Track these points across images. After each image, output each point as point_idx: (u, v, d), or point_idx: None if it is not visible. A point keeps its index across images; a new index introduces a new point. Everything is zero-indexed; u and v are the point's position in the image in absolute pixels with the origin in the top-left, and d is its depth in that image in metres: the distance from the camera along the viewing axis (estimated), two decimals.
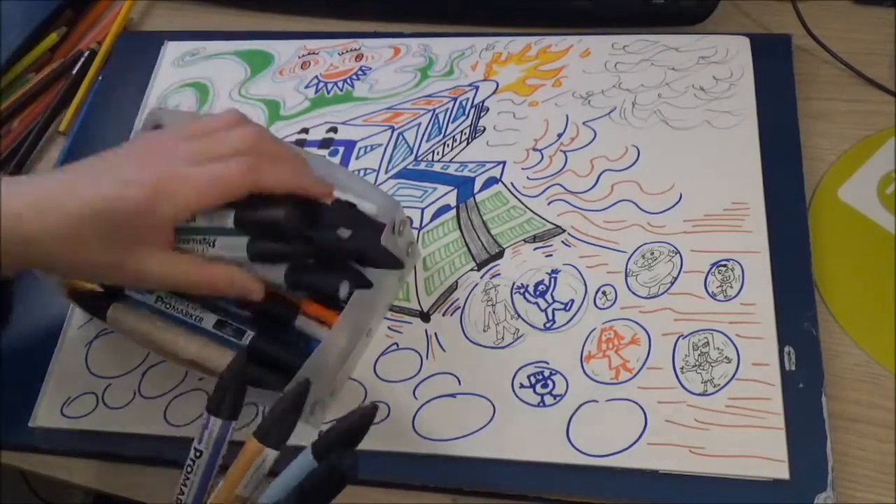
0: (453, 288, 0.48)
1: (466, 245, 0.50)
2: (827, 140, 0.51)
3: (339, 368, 0.44)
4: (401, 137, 0.55)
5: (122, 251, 0.39)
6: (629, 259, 0.47)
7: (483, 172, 0.52)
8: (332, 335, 0.42)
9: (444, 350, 0.46)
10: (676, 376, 0.43)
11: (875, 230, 0.47)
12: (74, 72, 0.64)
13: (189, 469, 0.37)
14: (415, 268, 0.49)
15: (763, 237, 0.46)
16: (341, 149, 0.55)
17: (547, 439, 0.42)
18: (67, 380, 0.48)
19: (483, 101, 0.55)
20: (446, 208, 0.51)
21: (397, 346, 0.47)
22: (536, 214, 0.50)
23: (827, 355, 0.43)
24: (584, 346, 0.45)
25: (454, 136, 0.54)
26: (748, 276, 0.45)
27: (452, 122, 0.55)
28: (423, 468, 0.43)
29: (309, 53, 0.61)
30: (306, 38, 0.62)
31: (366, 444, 0.43)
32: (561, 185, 0.51)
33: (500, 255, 0.49)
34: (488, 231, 0.50)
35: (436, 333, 0.47)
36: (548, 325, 0.46)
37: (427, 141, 0.54)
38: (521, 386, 0.44)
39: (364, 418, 0.35)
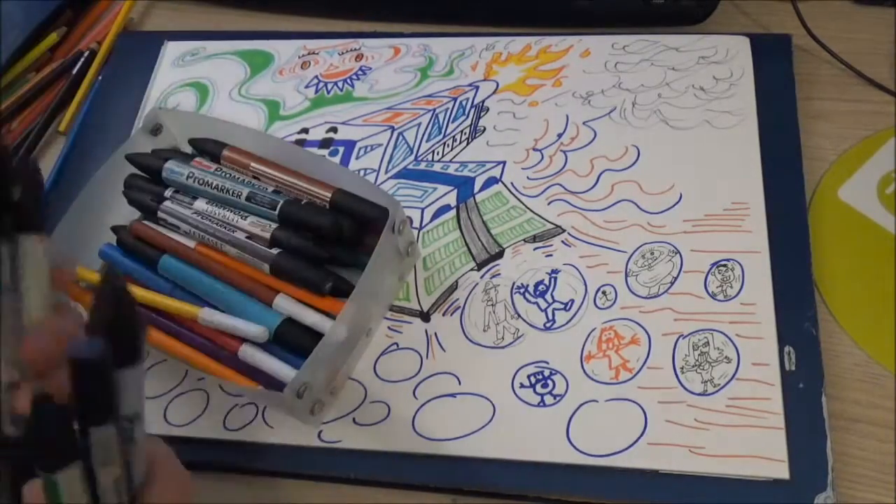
0: (453, 288, 0.48)
1: (466, 245, 0.49)
2: (827, 140, 0.51)
3: (339, 367, 0.44)
4: (401, 137, 0.55)
5: None
6: (629, 259, 0.47)
7: (483, 172, 0.52)
8: (333, 330, 0.42)
9: (444, 350, 0.46)
10: (676, 376, 0.43)
11: (875, 230, 0.47)
12: (74, 72, 0.64)
13: None
14: (415, 268, 0.49)
15: (763, 237, 0.46)
16: (341, 149, 0.55)
17: (547, 439, 0.42)
18: None
19: (483, 101, 0.55)
20: (446, 208, 0.51)
21: (397, 345, 0.47)
22: (536, 214, 0.50)
23: (827, 355, 0.43)
24: (584, 346, 0.45)
25: (454, 136, 0.54)
26: (748, 276, 0.45)
27: (452, 121, 0.55)
28: (423, 468, 0.43)
29: (309, 53, 0.61)
30: (306, 37, 0.62)
31: (366, 444, 0.44)
32: (561, 185, 0.51)
33: (500, 254, 0.49)
34: (488, 231, 0.50)
35: (436, 333, 0.47)
36: (548, 324, 0.46)
37: (427, 141, 0.54)
38: (521, 386, 0.44)
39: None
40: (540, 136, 0.53)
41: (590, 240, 0.48)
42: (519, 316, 0.46)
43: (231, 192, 0.48)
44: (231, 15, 0.65)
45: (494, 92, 0.56)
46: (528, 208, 0.50)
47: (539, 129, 0.53)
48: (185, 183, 0.49)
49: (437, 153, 0.54)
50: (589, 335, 0.45)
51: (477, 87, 0.56)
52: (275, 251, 0.46)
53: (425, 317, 0.47)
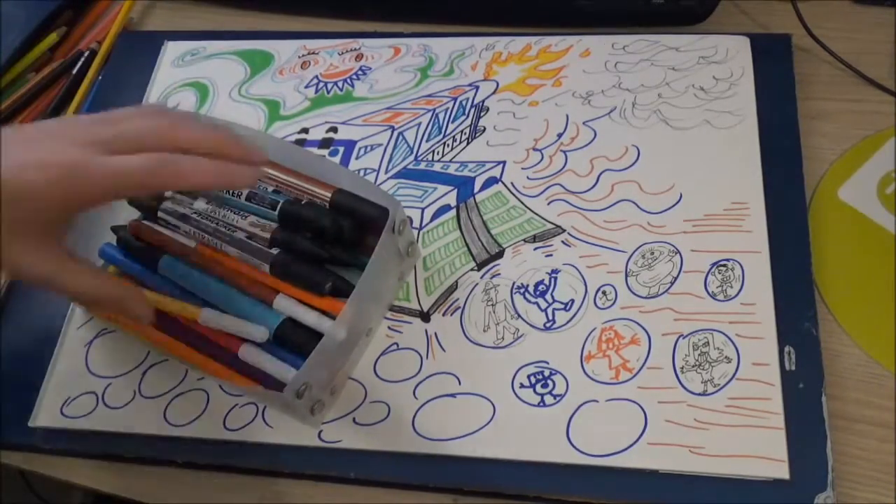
0: (453, 288, 0.48)
1: (466, 245, 0.50)
2: (827, 140, 0.51)
3: (339, 367, 0.44)
4: (401, 137, 0.55)
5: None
6: (629, 259, 0.47)
7: (483, 172, 0.52)
8: (333, 330, 0.42)
9: (444, 350, 0.46)
10: (676, 376, 0.43)
11: (875, 230, 0.47)
12: (74, 72, 0.64)
13: None
14: (415, 268, 0.49)
15: (763, 237, 0.46)
16: (341, 149, 0.55)
17: (547, 439, 0.42)
18: (67, 380, 0.48)
19: (483, 101, 0.55)
20: (446, 208, 0.51)
21: (397, 345, 0.47)
22: (536, 214, 0.50)
23: (827, 355, 0.43)
24: (584, 346, 0.45)
25: (454, 136, 0.54)
26: (748, 276, 0.45)
27: (452, 121, 0.55)
28: (424, 468, 0.43)
29: (309, 53, 0.61)
30: (306, 37, 0.62)
31: (366, 444, 0.44)
32: (561, 185, 0.51)
33: (500, 254, 0.49)
34: (488, 231, 0.50)
35: (436, 333, 0.47)
36: (548, 324, 0.46)
37: (427, 141, 0.54)
38: (521, 386, 0.44)
39: None
40: (540, 135, 0.53)
41: (590, 240, 0.48)
42: (519, 316, 0.46)
43: (231, 192, 0.48)
44: (231, 15, 0.65)
45: (494, 92, 0.56)
46: (528, 208, 0.50)
47: (539, 129, 0.53)
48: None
49: (437, 153, 0.54)
50: (589, 335, 0.45)
51: (477, 87, 0.56)
52: (274, 251, 0.46)
53: (425, 317, 0.47)
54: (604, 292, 0.46)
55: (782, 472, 0.40)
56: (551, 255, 0.48)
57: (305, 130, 0.56)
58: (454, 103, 0.56)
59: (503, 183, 0.51)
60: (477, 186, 0.52)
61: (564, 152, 0.52)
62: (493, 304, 0.47)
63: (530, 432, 0.43)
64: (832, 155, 0.50)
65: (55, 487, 0.83)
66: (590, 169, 0.51)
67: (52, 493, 0.87)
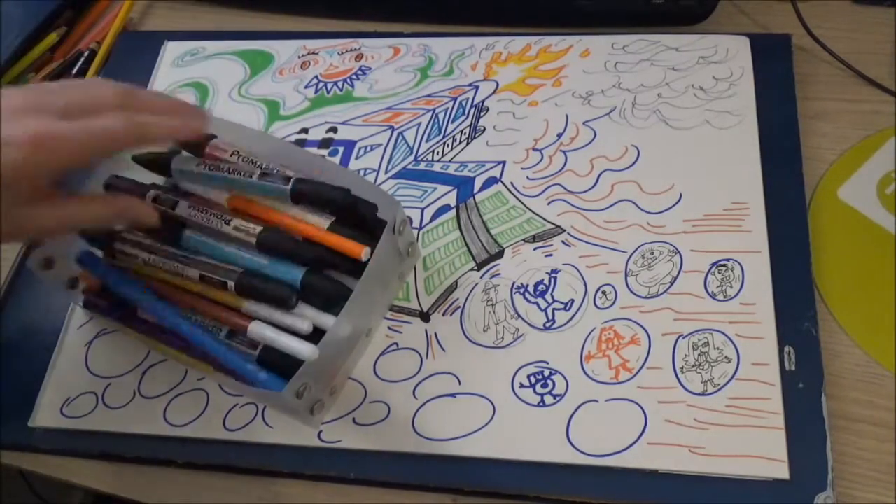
0: (453, 288, 0.48)
1: (466, 245, 0.50)
2: (827, 140, 0.51)
3: (339, 367, 0.44)
4: (401, 137, 0.55)
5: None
6: (629, 259, 0.47)
7: (483, 172, 0.52)
8: (335, 329, 0.42)
9: (443, 350, 0.46)
10: (676, 376, 0.43)
11: (875, 230, 0.47)
12: (74, 72, 0.64)
13: None
14: (415, 268, 0.49)
15: (763, 237, 0.46)
16: (341, 149, 0.55)
17: (547, 439, 0.42)
18: (67, 380, 0.48)
19: (483, 101, 0.55)
20: (446, 208, 0.51)
21: (397, 345, 0.47)
22: (536, 214, 0.50)
23: (827, 355, 0.43)
24: (583, 346, 0.45)
25: (454, 136, 0.54)
26: (748, 276, 0.45)
27: (452, 121, 0.55)
28: (423, 468, 0.43)
29: (309, 53, 0.61)
30: (306, 38, 0.62)
31: (366, 444, 0.44)
32: (561, 185, 0.51)
33: (499, 254, 0.49)
34: (488, 231, 0.50)
35: (436, 333, 0.47)
36: (548, 324, 0.46)
37: (427, 141, 0.54)
38: (521, 386, 0.44)
39: None
40: (540, 135, 0.53)
41: (590, 240, 0.48)
42: (519, 316, 0.46)
43: (243, 173, 0.46)
44: (231, 15, 0.66)
45: (494, 92, 0.56)
46: (527, 208, 0.50)
47: (539, 129, 0.53)
48: (196, 170, 0.47)
49: (437, 153, 0.54)
50: (589, 335, 0.45)
51: (477, 87, 0.56)
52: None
53: (425, 317, 0.47)
54: (604, 292, 0.46)
55: (782, 472, 0.40)
56: (551, 255, 0.48)
57: (305, 130, 0.56)
58: (454, 103, 0.56)
59: (503, 183, 0.51)
60: (477, 186, 0.52)
61: (564, 152, 0.52)
62: (492, 304, 0.47)
63: (530, 432, 0.43)
64: (832, 155, 0.50)
65: (55, 487, 0.83)
66: (590, 169, 0.51)
67: (52, 493, 0.87)
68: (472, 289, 0.48)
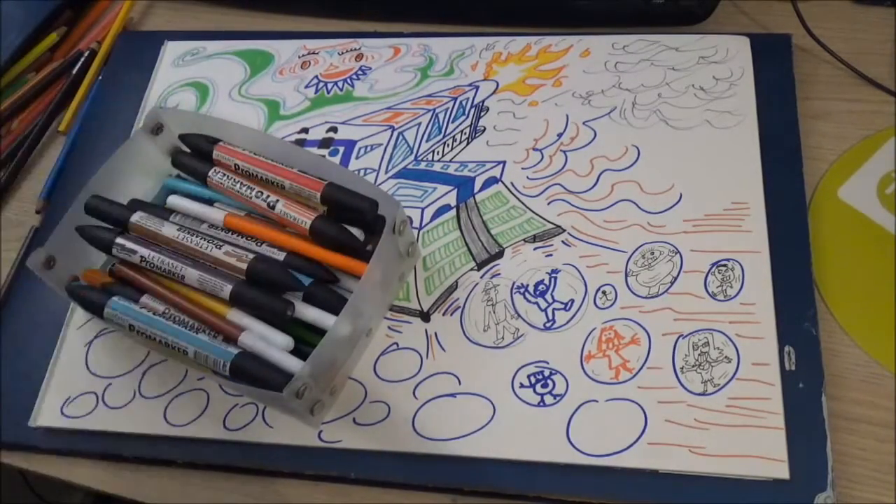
0: (453, 288, 0.48)
1: (466, 245, 0.50)
2: (827, 140, 0.51)
3: (339, 367, 0.44)
4: (401, 137, 0.55)
5: None
6: (629, 259, 0.47)
7: (483, 172, 0.52)
8: (334, 329, 0.42)
9: (444, 350, 0.46)
10: (676, 376, 0.43)
11: (875, 230, 0.47)
12: (74, 72, 0.64)
13: None
14: (415, 267, 0.49)
15: (763, 237, 0.46)
16: (341, 149, 0.55)
17: (547, 439, 0.42)
18: (67, 380, 0.48)
19: (483, 101, 0.55)
20: (446, 208, 0.51)
21: (397, 345, 0.47)
22: (536, 214, 0.50)
23: (827, 355, 0.43)
24: (584, 346, 0.45)
25: (454, 136, 0.54)
26: (748, 276, 0.45)
27: (452, 121, 0.55)
28: (423, 468, 0.43)
29: (309, 53, 0.61)
30: (306, 37, 0.62)
31: (366, 444, 0.44)
32: (561, 185, 0.51)
33: (500, 254, 0.49)
34: (488, 231, 0.50)
35: (436, 333, 0.47)
36: (548, 324, 0.46)
37: (427, 141, 0.54)
38: (521, 386, 0.44)
39: None
40: (540, 135, 0.53)
41: (590, 240, 0.48)
42: (519, 316, 0.46)
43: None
44: (231, 15, 0.65)
45: (494, 92, 0.56)
46: (528, 208, 0.50)
47: (539, 129, 0.53)
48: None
49: (437, 153, 0.54)
50: (589, 335, 0.45)
51: (477, 87, 0.56)
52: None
53: (425, 317, 0.47)
54: (604, 292, 0.46)
55: (782, 471, 0.40)
56: (551, 254, 0.48)
57: (305, 130, 0.56)
58: (454, 103, 0.56)
59: (503, 183, 0.51)
60: (477, 186, 0.52)
61: (564, 152, 0.52)
62: (493, 304, 0.47)
63: (530, 432, 0.43)
64: (832, 155, 0.50)
65: (55, 487, 0.83)
66: (590, 169, 0.51)
67: (52, 493, 0.87)
68: (473, 289, 0.48)
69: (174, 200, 0.50)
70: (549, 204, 0.50)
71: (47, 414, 0.47)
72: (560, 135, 0.53)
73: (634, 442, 0.42)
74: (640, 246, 0.48)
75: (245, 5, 0.65)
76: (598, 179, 0.50)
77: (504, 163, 0.52)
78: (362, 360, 0.46)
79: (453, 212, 0.51)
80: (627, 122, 0.52)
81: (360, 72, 0.59)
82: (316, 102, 0.58)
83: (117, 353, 0.49)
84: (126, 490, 0.46)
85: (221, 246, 0.45)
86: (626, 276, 0.47)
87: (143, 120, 0.54)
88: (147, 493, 0.46)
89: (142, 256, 0.46)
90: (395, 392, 0.45)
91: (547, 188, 0.51)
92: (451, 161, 0.53)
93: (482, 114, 0.55)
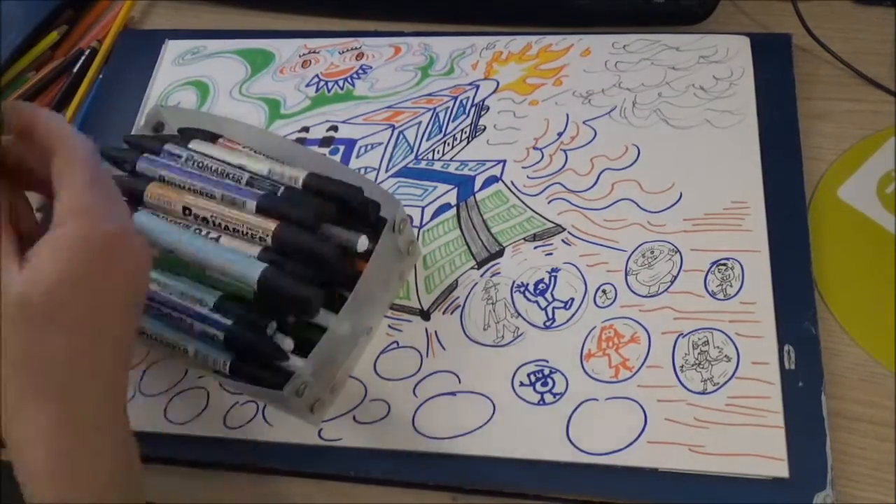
0: (453, 286, 0.48)
1: (466, 244, 0.50)
2: (827, 140, 0.51)
3: (340, 365, 0.44)
4: (401, 136, 0.55)
5: None
6: (629, 258, 0.47)
7: (483, 171, 0.52)
8: (334, 327, 0.42)
9: (444, 348, 0.46)
10: (676, 375, 0.43)
11: (875, 230, 0.47)
12: (75, 70, 0.64)
13: None
14: (415, 266, 0.49)
15: (763, 236, 0.46)
16: (342, 147, 0.55)
17: (547, 437, 0.42)
18: None
19: (483, 100, 0.55)
20: (446, 207, 0.51)
21: (397, 344, 0.47)
22: (536, 213, 0.50)
23: (827, 354, 0.43)
24: (583, 345, 0.45)
25: (454, 135, 0.54)
26: (748, 275, 0.45)
27: (453, 120, 0.55)
28: (423, 466, 0.43)
29: (309, 52, 0.61)
30: (307, 36, 0.62)
31: (366, 443, 0.44)
32: (561, 184, 0.51)
33: (500, 253, 0.49)
34: (488, 230, 0.50)
35: (436, 332, 0.47)
36: (548, 323, 0.46)
37: (427, 140, 0.54)
38: (521, 384, 0.44)
39: None
40: (540, 134, 0.53)
41: (590, 238, 0.48)
42: (519, 314, 0.46)
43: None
44: (232, 14, 0.66)
45: (495, 91, 0.56)
46: (528, 207, 0.50)
47: (539, 128, 0.53)
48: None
49: (438, 152, 0.54)
50: (589, 334, 0.45)
51: (477, 86, 0.56)
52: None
53: (425, 315, 0.47)
54: (604, 291, 0.46)
55: (782, 470, 0.40)
56: (551, 253, 0.48)
57: (306, 129, 0.56)
58: (454, 102, 0.56)
59: (503, 182, 0.51)
60: (477, 185, 0.52)
61: (564, 151, 0.52)
62: (493, 303, 0.47)
63: (530, 431, 0.43)
64: (832, 155, 0.50)
65: None
66: (590, 168, 0.51)
67: None
68: (473, 287, 0.48)
69: None
70: (549, 203, 0.50)
71: None
72: (560, 134, 0.53)
73: (634, 440, 0.42)
74: (640, 245, 0.48)
75: (246, 4, 0.65)
76: (598, 178, 0.50)
77: (504, 162, 0.52)
78: (362, 359, 0.46)
79: (453, 210, 0.51)
80: (627, 122, 0.52)
81: (360, 71, 0.59)
82: (316, 101, 0.58)
83: None
84: None
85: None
86: (626, 274, 0.47)
87: (145, 117, 0.54)
88: (147, 490, 0.46)
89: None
90: (395, 390, 0.45)
91: (547, 187, 0.51)
92: (451, 160, 0.53)
93: (482, 113, 0.55)
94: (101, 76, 0.63)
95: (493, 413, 0.44)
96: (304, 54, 0.61)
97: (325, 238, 0.44)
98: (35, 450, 0.31)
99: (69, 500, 0.31)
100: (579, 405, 0.43)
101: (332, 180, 0.46)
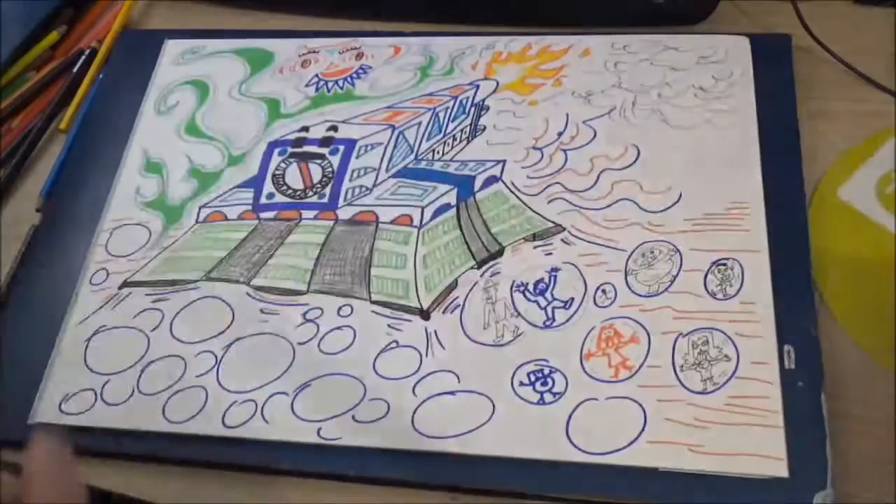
0: (453, 286, 0.48)
1: (466, 243, 0.49)
2: (827, 140, 0.51)
3: None
4: (401, 136, 0.55)
5: None
6: (629, 258, 0.47)
7: (483, 171, 0.52)
8: None
9: (443, 348, 0.46)
10: (676, 375, 0.43)
11: (875, 230, 0.47)
12: (75, 70, 0.64)
13: None
14: (415, 266, 0.49)
15: (763, 236, 0.46)
16: (341, 147, 0.55)
17: (546, 437, 0.42)
18: (66, 376, 0.48)
19: (483, 100, 0.55)
20: (446, 207, 0.51)
21: (397, 343, 0.47)
22: (536, 213, 0.50)
23: (826, 354, 0.43)
24: (583, 345, 0.45)
25: (454, 135, 0.54)
26: (748, 275, 0.45)
27: (452, 120, 0.55)
28: (423, 466, 0.43)
29: (309, 52, 0.61)
30: (306, 36, 0.62)
31: (365, 442, 0.44)
32: (561, 184, 0.51)
33: (499, 253, 0.49)
34: (488, 229, 0.50)
35: (435, 331, 0.47)
36: (547, 323, 0.46)
37: (427, 140, 0.54)
38: (521, 384, 0.44)
39: None
40: (540, 135, 0.53)
41: (590, 238, 0.48)
42: (518, 314, 0.46)
43: None
44: (232, 14, 0.66)
45: (494, 91, 0.56)
46: (528, 207, 0.50)
47: (539, 128, 0.53)
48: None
49: (438, 152, 0.54)
50: (588, 333, 0.45)
51: (477, 86, 0.56)
52: None
53: (425, 315, 0.47)
54: (603, 291, 0.46)
55: (781, 470, 0.40)
56: (551, 253, 0.48)
57: (306, 129, 0.56)
58: (454, 102, 0.56)
59: (503, 182, 0.51)
60: (477, 185, 0.52)
61: (564, 151, 0.52)
62: (492, 303, 0.47)
63: (530, 430, 0.43)
64: (832, 155, 0.50)
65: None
66: (590, 168, 0.51)
67: None
68: (472, 287, 0.48)
69: None
70: (548, 203, 0.50)
71: (46, 411, 0.47)
72: (560, 134, 0.53)
73: (634, 440, 0.42)
74: (640, 245, 0.47)
75: (246, 4, 0.65)
76: (597, 178, 0.50)
77: (504, 162, 0.52)
78: (362, 358, 0.46)
79: (453, 210, 0.51)
80: (627, 122, 0.52)
81: (360, 70, 0.59)
82: (316, 101, 0.58)
83: (116, 349, 0.49)
84: (124, 487, 0.46)
85: None
86: (626, 274, 0.47)
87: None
88: (145, 489, 0.46)
89: None
90: (394, 390, 0.45)
91: (547, 187, 0.51)
92: (451, 160, 0.53)
93: (482, 113, 0.55)
94: (100, 76, 0.63)
95: (493, 413, 0.43)
96: (303, 54, 0.61)
97: None
98: None
99: None
100: (579, 405, 0.43)
101: None
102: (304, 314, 0.48)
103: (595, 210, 0.49)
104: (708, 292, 0.45)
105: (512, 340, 0.46)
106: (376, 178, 0.53)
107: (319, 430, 0.44)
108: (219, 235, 0.52)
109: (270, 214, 0.53)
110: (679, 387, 0.43)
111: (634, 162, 0.51)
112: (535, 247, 0.49)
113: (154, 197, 0.55)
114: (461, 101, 0.56)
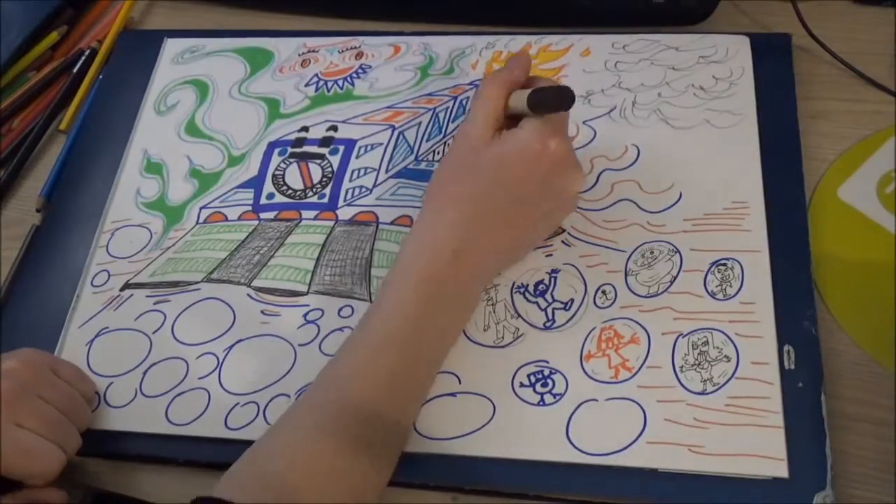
0: None
1: None
2: (827, 140, 0.51)
3: None
4: (401, 137, 0.55)
5: None
6: (629, 258, 0.47)
7: None
8: None
9: None
10: (676, 375, 0.43)
11: (875, 230, 0.47)
12: (75, 70, 0.64)
13: None
14: None
15: (763, 236, 0.46)
16: (341, 147, 0.55)
17: (547, 438, 0.42)
18: None
19: None
20: None
21: None
22: None
23: (826, 354, 0.43)
24: (583, 345, 0.45)
25: (454, 136, 0.54)
26: (748, 275, 0.45)
27: (452, 121, 0.55)
28: (424, 467, 0.43)
29: (309, 51, 0.60)
30: (306, 36, 0.62)
31: None
32: None
33: None
34: None
35: None
36: (548, 324, 0.46)
37: (427, 140, 0.54)
38: (521, 385, 0.44)
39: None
40: None
41: (589, 239, 0.48)
42: (519, 315, 0.46)
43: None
44: (232, 14, 0.65)
45: None
46: None
47: None
48: None
49: (438, 153, 0.54)
50: (588, 334, 0.45)
51: (477, 86, 0.56)
52: None
53: None
54: (603, 291, 0.46)
55: (781, 470, 0.40)
56: (551, 254, 0.48)
57: (305, 129, 0.56)
58: (454, 102, 0.56)
59: None
60: None
61: None
62: (493, 304, 0.47)
63: (530, 431, 0.43)
64: (832, 155, 0.50)
65: (56, 486, 0.82)
66: (589, 168, 0.51)
67: None
68: None
69: None
70: None
71: None
72: None
73: (634, 441, 0.42)
74: (640, 245, 0.48)
75: (246, 4, 0.65)
76: (597, 179, 0.50)
77: None
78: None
79: None
80: (627, 122, 0.52)
81: (360, 70, 0.59)
82: (316, 101, 0.58)
83: (118, 351, 0.49)
84: (127, 488, 0.46)
85: None
86: (626, 275, 0.47)
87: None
88: (148, 491, 0.46)
89: None
90: None
91: None
92: None
93: None
94: (100, 76, 0.63)
95: (494, 414, 0.44)
96: (303, 53, 0.60)
97: None
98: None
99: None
100: (579, 406, 0.43)
101: None
102: (305, 315, 0.48)
103: (595, 210, 0.49)
104: (708, 292, 0.45)
105: (512, 342, 0.46)
106: (376, 178, 0.53)
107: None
108: (219, 236, 0.53)
109: (270, 215, 0.53)
110: (679, 387, 0.43)
111: (634, 162, 0.51)
112: (536, 248, 0.49)
113: (154, 198, 0.55)
114: (461, 102, 0.56)
